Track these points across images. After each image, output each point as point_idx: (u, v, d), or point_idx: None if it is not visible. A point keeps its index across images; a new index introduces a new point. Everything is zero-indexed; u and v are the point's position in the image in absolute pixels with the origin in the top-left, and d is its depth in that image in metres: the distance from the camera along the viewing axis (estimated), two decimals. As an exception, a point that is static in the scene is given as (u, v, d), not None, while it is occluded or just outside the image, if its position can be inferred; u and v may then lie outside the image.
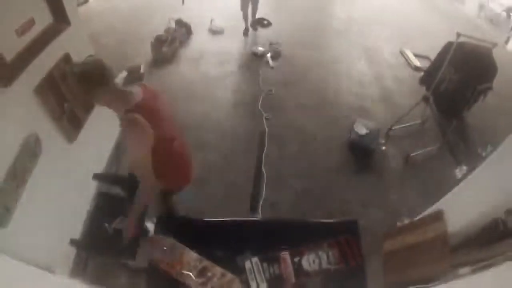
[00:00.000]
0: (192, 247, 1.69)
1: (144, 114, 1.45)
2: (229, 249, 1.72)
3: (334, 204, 2.85)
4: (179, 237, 1.72)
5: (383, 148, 3.46)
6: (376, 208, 2.84)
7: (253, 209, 2.66)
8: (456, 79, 3.12)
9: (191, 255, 1.63)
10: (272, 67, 4.56)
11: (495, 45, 2.94)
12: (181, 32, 5.03)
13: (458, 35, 3.05)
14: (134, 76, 4.03)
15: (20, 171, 1.75)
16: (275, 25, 5.59)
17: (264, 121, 3.62)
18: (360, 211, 2.81)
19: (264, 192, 2.88)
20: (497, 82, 3.02)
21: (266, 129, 3.52)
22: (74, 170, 2.30)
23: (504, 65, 3.17)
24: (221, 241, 1.75)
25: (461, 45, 3.10)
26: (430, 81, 3.40)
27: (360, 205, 2.86)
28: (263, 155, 3.23)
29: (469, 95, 2.99)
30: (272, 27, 5.51)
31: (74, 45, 2.31)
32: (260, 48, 4.83)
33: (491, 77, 2.99)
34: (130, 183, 1.79)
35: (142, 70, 4.22)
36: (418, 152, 3.31)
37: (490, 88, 2.98)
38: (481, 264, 1.50)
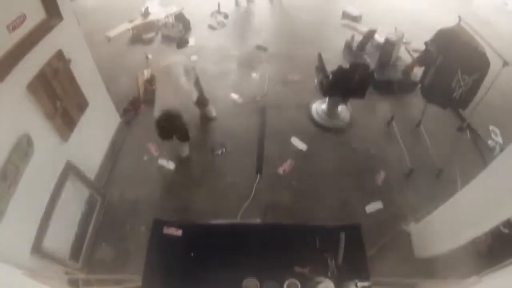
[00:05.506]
0: (189, 251, 1.65)
1: None
2: (227, 253, 1.69)
3: (335, 204, 2.83)
4: (177, 241, 1.68)
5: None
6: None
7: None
8: (441, 64, 2.90)
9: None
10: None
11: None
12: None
13: (459, 18, 2.91)
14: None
15: (11, 172, 1.70)
16: (275, 22, 5.52)
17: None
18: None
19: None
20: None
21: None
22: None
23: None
24: (219, 246, 1.71)
25: (451, 31, 2.91)
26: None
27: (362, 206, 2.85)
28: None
29: (453, 84, 2.79)
30: (272, 25, 5.43)
31: (67, 41, 2.24)
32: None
33: (478, 69, 2.70)
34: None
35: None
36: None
37: (479, 81, 2.70)
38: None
